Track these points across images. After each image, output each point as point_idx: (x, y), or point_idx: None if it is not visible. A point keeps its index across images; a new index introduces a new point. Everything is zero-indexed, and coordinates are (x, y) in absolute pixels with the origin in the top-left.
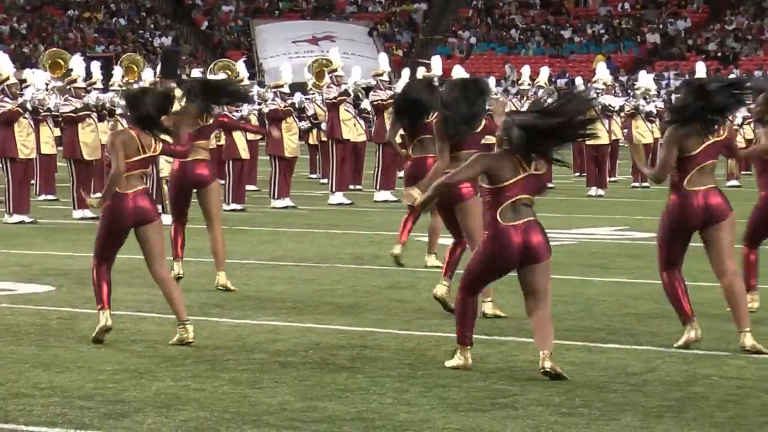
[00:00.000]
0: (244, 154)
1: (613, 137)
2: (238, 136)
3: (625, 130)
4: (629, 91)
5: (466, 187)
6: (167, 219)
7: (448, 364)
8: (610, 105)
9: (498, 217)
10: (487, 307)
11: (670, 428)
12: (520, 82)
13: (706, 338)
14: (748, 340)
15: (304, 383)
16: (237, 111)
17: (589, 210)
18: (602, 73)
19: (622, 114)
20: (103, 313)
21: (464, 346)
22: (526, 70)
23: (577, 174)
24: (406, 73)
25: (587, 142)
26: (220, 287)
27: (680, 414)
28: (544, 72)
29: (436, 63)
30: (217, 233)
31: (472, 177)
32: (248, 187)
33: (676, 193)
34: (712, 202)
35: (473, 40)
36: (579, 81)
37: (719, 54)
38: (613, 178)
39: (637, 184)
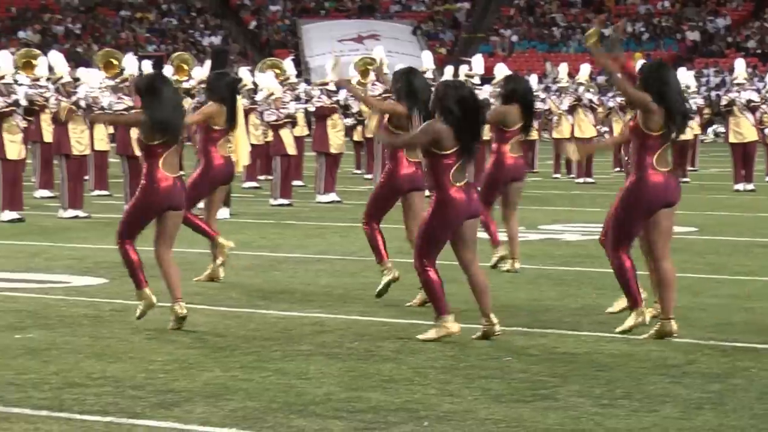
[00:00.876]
0: (291, 150)
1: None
2: (285, 132)
3: None
4: None
5: None
6: (225, 212)
7: (429, 336)
8: None
9: (449, 181)
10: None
11: (709, 420)
12: (558, 79)
13: (745, 331)
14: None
15: (349, 374)
16: (284, 108)
17: None
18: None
19: None
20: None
21: (446, 314)
22: (563, 68)
23: (617, 169)
24: (449, 70)
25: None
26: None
27: (719, 406)
28: (585, 69)
29: (477, 61)
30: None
31: (424, 143)
32: (295, 183)
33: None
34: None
35: (515, 38)
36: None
37: (759, 51)
38: None
39: None
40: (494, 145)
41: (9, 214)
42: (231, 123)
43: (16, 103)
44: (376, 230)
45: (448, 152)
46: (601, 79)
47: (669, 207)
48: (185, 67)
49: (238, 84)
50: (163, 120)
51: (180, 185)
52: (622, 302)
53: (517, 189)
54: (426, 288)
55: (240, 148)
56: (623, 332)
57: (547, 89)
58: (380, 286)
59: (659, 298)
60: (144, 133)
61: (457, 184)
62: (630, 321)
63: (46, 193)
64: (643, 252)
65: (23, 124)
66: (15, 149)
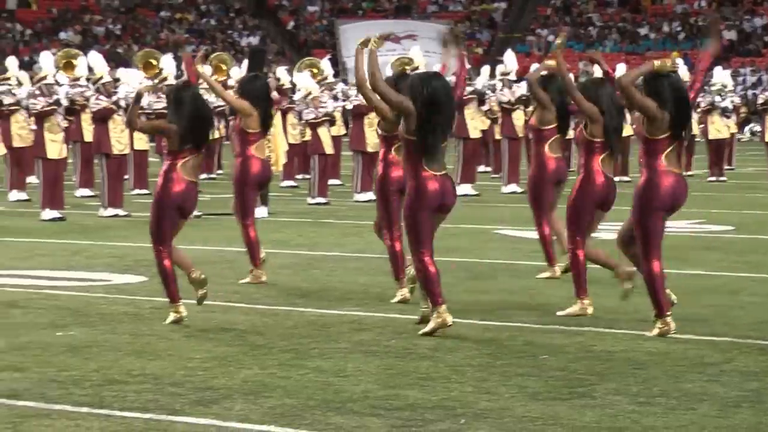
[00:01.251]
0: (329, 149)
1: (690, 132)
2: (323, 131)
3: (701, 126)
4: (705, 87)
5: None
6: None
7: (428, 329)
8: None
9: (424, 165)
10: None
11: (747, 418)
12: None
13: None
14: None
15: (387, 372)
16: (322, 107)
17: None
18: (678, 70)
19: (699, 110)
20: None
21: (442, 305)
22: (597, 67)
23: None
24: (485, 70)
25: None
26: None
27: (757, 404)
28: (621, 68)
29: (509, 58)
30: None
31: (396, 103)
32: (332, 182)
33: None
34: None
35: (551, 38)
36: None
37: None
38: (689, 173)
39: (713, 179)
40: (534, 147)
41: (50, 213)
42: (264, 126)
43: (57, 103)
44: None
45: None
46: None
47: (674, 209)
48: (223, 67)
49: (271, 87)
50: (186, 132)
51: (194, 191)
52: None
53: (559, 190)
54: (422, 280)
55: (278, 148)
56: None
57: None
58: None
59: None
60: (170, 141)
61: (434, 174)
62: (655, 330)
63: (86, 192)
64: (619, 244)
65: (64, 123)
66: (56, 148)
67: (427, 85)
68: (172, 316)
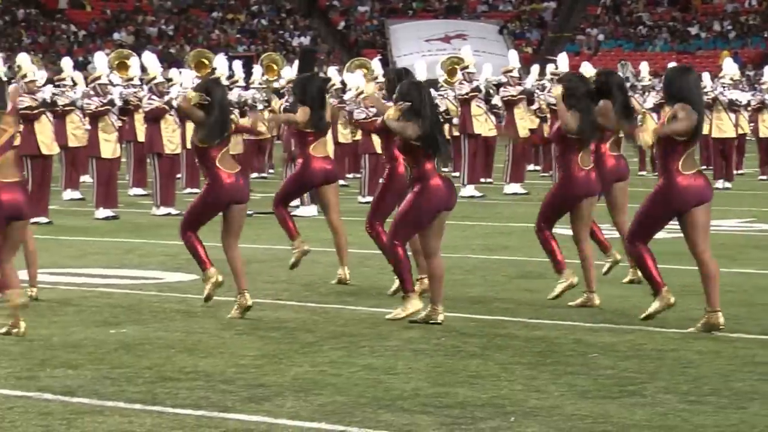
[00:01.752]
0: (379, 148)
1: (740, 131)
2: None
3: (752, 125)
4: (756, 86)
5: None
6: (310, 210)
7: (398, 315)
8: (737, 100)
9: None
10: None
11: None
12: (640, 78)
13: None
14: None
15: (436, 369)
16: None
17: (716, 202)
18: (729, 68)
19: (749, 108)
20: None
21: (412, 292)
22: (644, 66)
23: (704, 167)
24: (535, 69)
25: (713, 136)
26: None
27: None
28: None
29: (562, 59)
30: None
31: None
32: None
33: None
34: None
35: (601, 37)
36: (706, 77)
37: None
38: (740, 171)
39: (764, 177)
40: (592, 146)
41: (104, 212)
42: (319, 126)
43: (111, 103)
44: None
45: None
46: None
47: (702, 204)
48: (275, 67)
49: (327, 85)
50: (213, 125)
51: (243, 180)
52: (560, 287)
53: (622, 189)
54: (396, 265)
55: (328, 147)
56: (647, 318)
57: (632, 88)
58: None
59: (705, 291)
60: (199, 135)
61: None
62: (655, 306)
63: (139, 191)
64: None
65: (118, 123)
66: (110, 148)
67: (425, 90)
68: (209, 286)
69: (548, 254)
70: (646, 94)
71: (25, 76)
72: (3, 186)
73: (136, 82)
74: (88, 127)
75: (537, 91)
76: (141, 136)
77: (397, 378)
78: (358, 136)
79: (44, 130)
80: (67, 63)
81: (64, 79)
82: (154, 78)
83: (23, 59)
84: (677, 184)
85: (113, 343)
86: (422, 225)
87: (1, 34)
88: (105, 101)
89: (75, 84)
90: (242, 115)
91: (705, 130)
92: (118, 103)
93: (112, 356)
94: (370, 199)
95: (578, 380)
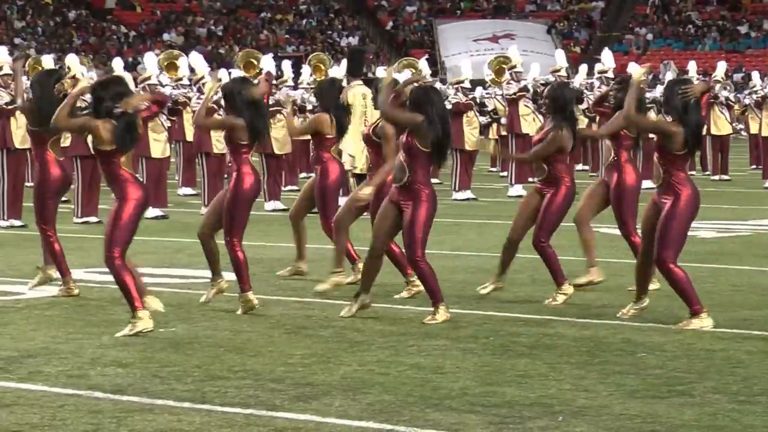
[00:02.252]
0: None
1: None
2: None
3: None
4: None
5: None
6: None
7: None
8: None
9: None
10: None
11: None
12: (689, 77)
13: None
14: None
15: (484, 369)
16: None
17: (764, 201)
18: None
19: None
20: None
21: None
22: (692, 66)
23: (753, 167)
24: (583, 69)
25: (764, 134)
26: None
27: None
28: (721, 67)
29: (607, 56)
30: None
31: (404, 120)
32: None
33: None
34: None
35: (650, 36)
36: (755, 76)
37: None
38: None
39: None
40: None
41: (153, 211)
42: (340, 131)
43: None
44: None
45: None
46: (737, 76)
47: None
48: (322, 67)
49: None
50: (253, 123)
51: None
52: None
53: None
54: (426, 280)
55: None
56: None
57: None
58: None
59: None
60: (236, 135)
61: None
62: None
63: (188, 190)
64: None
65: (167, 123)
66: (159, 148)
67: (437, 98)
68: (242, 307)
69: (556, 267)
70: None
71: (74, 77)
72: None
73: (185, 82)
74: None
75: (585, 90)
76: (190, 136)
77: (445, 377)
78: None
79: None
80: (118, 63)
81: None
82: (202, 78)
83: (72, 60)
84: (696, 188)
85: (163, 342)
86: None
87: (52, 35)
88: None
89: None
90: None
91: (753, 129)
92: (168, 103)
93: (162, 355)
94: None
95: (627, 380)
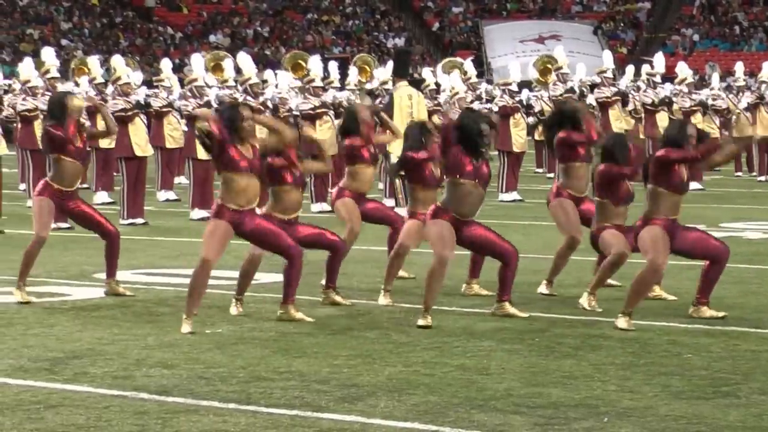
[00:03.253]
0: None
1: None
2: None
3: None
4: None
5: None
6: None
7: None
8: None
9: None
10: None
11: None
12: (734, 78)
13: None
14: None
15: (529, 370)
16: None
17: None
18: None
19: None
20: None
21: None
22: (739, 66)
23: None
24: (630, 70)
25: None
26: None
27: None
28: (767, 67)
29: (659, 60)
30: None
31: None
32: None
33: None
34: None
35: (696, 37)
36: None
37: None
38: None
39: None
40: None
41: (199, 213)
42: None
43: (208, 105)
44: None
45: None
46: None
47: None
48: (368, 68)
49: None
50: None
51: None
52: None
53: None
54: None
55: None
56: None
57: (728, 88)
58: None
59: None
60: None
61: None
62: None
63: None
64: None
65: None
66: None
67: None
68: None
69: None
70: (740, 94)
71: (119, 78)
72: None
73: (231, 83)
74: (185, 128)
75: (632, 92)
76: None
77: (490, 378)
78: None
79: (138, 132)
80: (166, 65)
81: (162, 81)
82: (249, 79)
83: (117, 61)
84: None
85: (208, 343)
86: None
87: (99, 37)
88: (202, 103)
89: (171, 86)
90: (337, 116)
91: None
92: (215, 104)
93: (207, 356)
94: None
95: (672, 381)
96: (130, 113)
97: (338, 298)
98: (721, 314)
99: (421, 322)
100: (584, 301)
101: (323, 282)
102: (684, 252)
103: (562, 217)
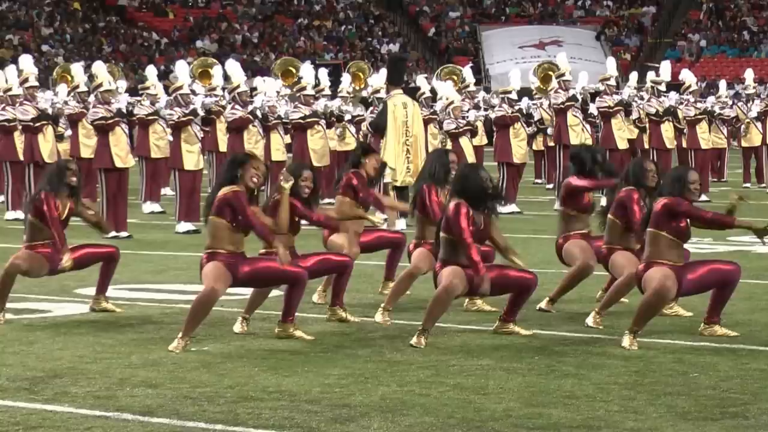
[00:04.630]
0: (470, 159)
1: None
2: (464, 141)
3: None
4: None
5: None
6: (402, 223)
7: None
8: None
9: None
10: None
11: None
12: (744, 86)
13: None
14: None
15: (529, 389)
16: (463, 117)
17: None
18: None
19: None
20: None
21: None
22: (749, 74)
23: None
24: (633, 77)
25: None
26: None
27: None
28: None
29: (665, 68)
30: None
31: None
32: None
33: None
34: None
35: (703, 42)
36: None
37: None
38: None
39: None
40: None
41: (185, 226)
42: None
43: (194, 113)
44: None
45: None
46: None
47: None
48: (361, 75)
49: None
50: None
51: None
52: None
53: None
54: None
55: (420, 157)
56: None
57: (737, 96)
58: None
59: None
60: None
61: None
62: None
63: None
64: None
65: (200, 134)
66: (192, 159)
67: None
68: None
69: None
70: (750, 102)
71: (100, 85)
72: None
73: (219, 92)
74: (171, 138)
75: (636, 100)
76: (223, 147)
77: (488, 398)
78: (449, 147)
79: (119, 142)
80: (151, 72)
81: (148, 88)
82: (238, 87)
83: (99, 68)
84: None
85: (194, 362)
86: None
87: (81, 43)
88: (188, 111)
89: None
90: (329, 126)
91: None
92: (201, 113)
93: (193, 375)
94: None
95: (678, 401)
96: (110, 121)
97: (347, 315)
98: (733, 333)
99: (414, 341)
100: (590, 320)
101: (315, 298)
102: (697, 290)
103: (576, 248)
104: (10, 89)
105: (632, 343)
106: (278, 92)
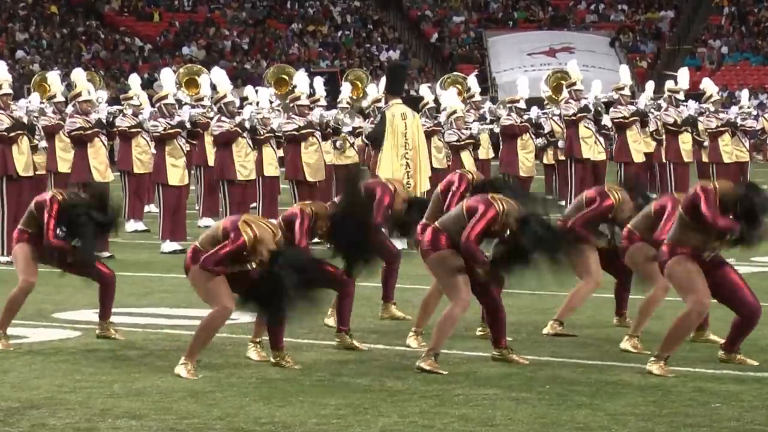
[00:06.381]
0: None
1: None
2: (465, 155)
3: None
4: None
5: None
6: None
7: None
8: None
9: None
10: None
11: None
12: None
13: None
14: None
15: (540, 421)
16: (466, 128)
17: None
18: None
19: None
20: None
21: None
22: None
23: None
24: (650, 86)
25: None
26: None
27: None
28: None
29: (684, 76)
30: None
31: None
32: None
33: None
34: None
35: (725, 49)
36: None
37: None
38: None
39: None
40: None
41: (170, 245)
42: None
43: (180, 125)
44: None
45: None
46: None
47: None
48: (359, 84)
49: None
50: None
51: None
52: None
53: None
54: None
55: (418, 173)
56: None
57: (761, 106)
58: None
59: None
60: None
61: None
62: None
63: (210, 221)
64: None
65: (186, 147)
66: (177, 174)
67: None
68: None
69: None
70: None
71: (79, 94)
72: None
73: (206, 102)
74: (155, 151)
75: (652, 110)
76: (212, 161)
77: (496, 430)
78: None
79: (98, 155)
80: (134, 80)
81: (131, 98)
82: (224, 97)
83: (78, 75)
84: None
85: (181, 391)
86: None
87: (59, 49)
88: (173, 123)
89: (140, 104)
90: (324, 138)
91: None
92: (188, 125)
93: (180, 405)
94: None
95: None
96: (89, 132)
97: (354, 342)
98: (755, 363)
99: (422, 364)
100: (627, 344)
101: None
102: (714, 294)
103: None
104: None
105: (663, 369)
106: (271, 102)
